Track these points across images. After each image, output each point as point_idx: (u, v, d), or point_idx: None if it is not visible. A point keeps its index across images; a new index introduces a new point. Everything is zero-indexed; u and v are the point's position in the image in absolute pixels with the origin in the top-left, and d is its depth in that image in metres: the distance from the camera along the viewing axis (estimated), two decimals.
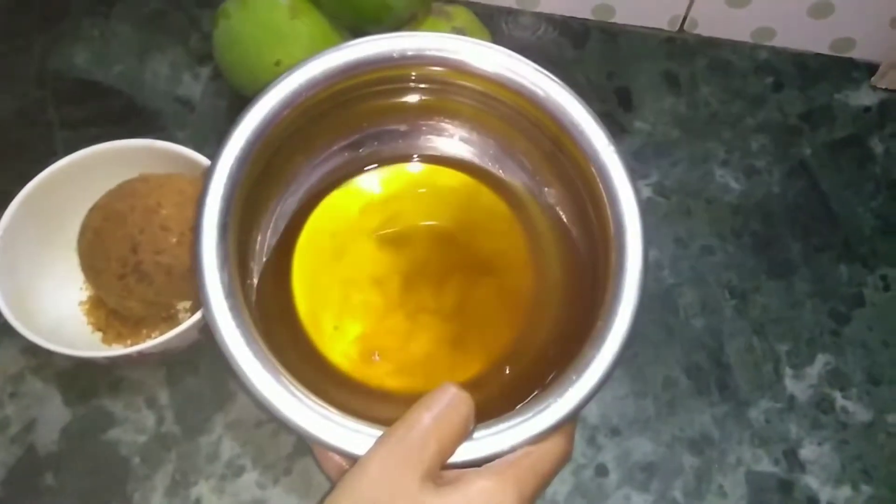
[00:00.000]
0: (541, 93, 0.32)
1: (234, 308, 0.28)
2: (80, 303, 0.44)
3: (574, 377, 0.28)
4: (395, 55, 0.32)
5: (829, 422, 0.45)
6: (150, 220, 0.39)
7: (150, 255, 0.39)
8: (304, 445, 0.42)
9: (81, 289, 0.44)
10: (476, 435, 0.27)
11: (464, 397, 0.27)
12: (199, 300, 0.28)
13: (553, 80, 0.33)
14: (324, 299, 0.34)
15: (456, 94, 0.34)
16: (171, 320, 0.43)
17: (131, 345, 0.42)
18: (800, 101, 0.56)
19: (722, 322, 0.47)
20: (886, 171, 0.53)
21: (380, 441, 0.26)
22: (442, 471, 0.27)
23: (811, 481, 0.43)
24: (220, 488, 0.41)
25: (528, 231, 0.35)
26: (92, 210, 0.41)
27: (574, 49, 0.57)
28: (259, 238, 0.34)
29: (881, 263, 0.49)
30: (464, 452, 0.27)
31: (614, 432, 0.44)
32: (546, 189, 0.35)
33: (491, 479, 0.26)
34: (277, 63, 0.46)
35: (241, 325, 0.28)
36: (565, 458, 0.29)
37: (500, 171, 0.36)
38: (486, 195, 0.36)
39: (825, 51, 0.57)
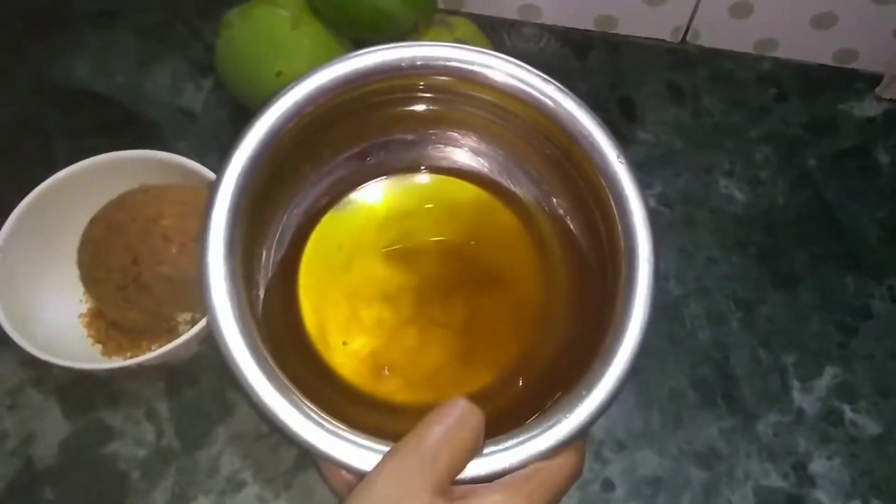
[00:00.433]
0: (550, 103, 0.32)
1: (240, 321, 0.28)
2: (80, 315, 0.44)
3: (584, 392, 0.28)
4: (403, 65, 0.32)
5: (839, 435, 0.44)
6: (150, 231, 0.39)
7: (151, 265, 0.39)
8: (306, 459, 0.41)
9: (81, 301, 0.44)
10: (486, 450, 0.27)
11: (475, 411, 0.27)
12: (203, 313, 0.28)
13: (562, 90, 0.32)
14: (331, 313, 0.33)
15: (464, 104, 0.34)
16: (172, 332, 0.43)
17: (131, 357, 0.41)
18: (803, 111, 0.55)
19: (728, 334, 0.47)
20: (892, 181, 0.52)
21: (389, 455, 0.26)
22: (452, 486, 0.26)
23: (821, 496, 0.42)
24: (221, 503, 0.41)
25: (536, 242, 0.35)
26: (92, 221, 0.41)
27: (577, 60, 0.57)
28: (265, 250, 0.33)
29: (888, 275, 0.49)
30: (474, 468, 0.26)
31: (620, 446, 0.43)
32: (555, 200, 0.35)
33: (503, 494, 0.26)
34: (279, 74, 0.46)
35: (247, 338, 0.27)
36: (577, 473, 0.28)
37: (509, 182, 0.35)
38: (495, 207, 0.35)
39: (829, 62, 0.57)
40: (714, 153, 0.53)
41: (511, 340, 0.33)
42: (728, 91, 0.56)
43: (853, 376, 0.46)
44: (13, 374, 0.43)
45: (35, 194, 0.41)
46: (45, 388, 0.43)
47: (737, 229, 0.51)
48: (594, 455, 0.43)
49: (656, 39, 0.58)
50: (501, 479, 0.26)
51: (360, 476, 0.26)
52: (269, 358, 0.28)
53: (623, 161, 0.31)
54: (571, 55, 0.57)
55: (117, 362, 0.38)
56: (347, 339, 0.32)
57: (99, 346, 0.43)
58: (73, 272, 0.43)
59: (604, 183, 0.31)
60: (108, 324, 0.43)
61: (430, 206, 0.35)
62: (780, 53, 0.57)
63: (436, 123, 0.35)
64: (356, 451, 0.26)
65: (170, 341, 0.38)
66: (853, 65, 0.57)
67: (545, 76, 0.32)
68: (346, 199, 0.35)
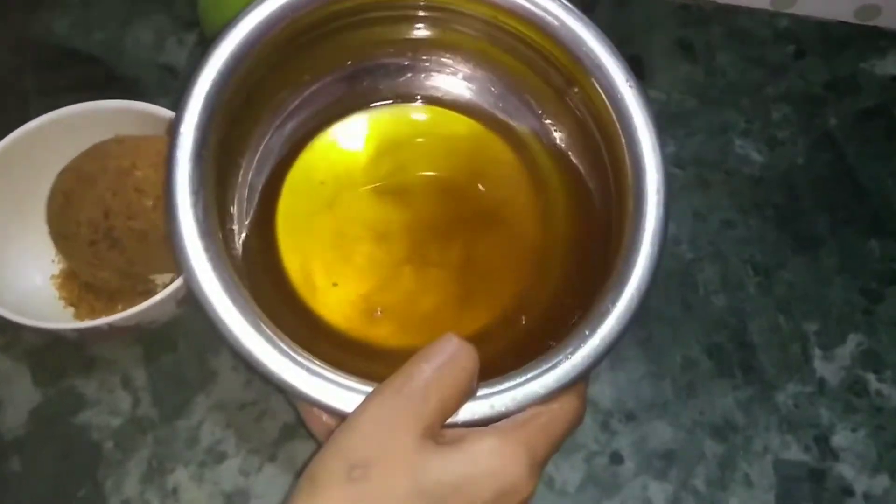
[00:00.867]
0: (554, 21, 0.29)
1: (210, 249, 0.25)
2: (53, 276, 0.41)
3: (587, 332, 0.25)
4: None
5: (863, 406, 0.41)
6: (123, 183, 0.36)
7: (123, 219, 0.36)
8: (292, 429, 0.38)
9: (54, 261, 0.41)
10: (481, 392, 0.24)
11: (468, 349, 0.24)
12: (171, 238, 0.25)
13: (567, 7, 0.29)
14: (316, 253, 0.31)
15: (458, 23, 0.31)
16: (149, 294, 0.39)
17: None
18: (823, 70, 0.52)
19: (745, 300, 0.44)
20: None
21: (373, 395, 0.23)
22: (443, 429, 0.23)
23: (845, 470, 0.39)
24: (200, 475, 0.38)
25: (534, 178, 0.32)
26: (61, 172, 0.38)
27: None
28: (240, 180, 0.31)
29: None
30: (467, 411, 0.24)
31: (629, 417, 0.40)
32: (556, 132, 0.32)
33: (498, 439, 0.23)
34: None
35: (218, 267, 0.25)
36: (578, 420, 0.25)
37: (506, 114, 0.32)
38: (492, 141, 0.33)
39: (849, 18, 0.54)
40: (729, 112, 0.50)
41: (509, 279, 0.30)
42: (743, 48, 0.53)
43: (878, 344, 0.43)
44: None
45: (2, 146, 0.39)
46: (14, 354, 0.40)
47: (754, 191, 0.47)
48: (601, 426, 0.40)
49: None
50: (497, 423, 0.24)
51: (343, 420, 0.23)
52: (245, 296, 0.25)
53: (632, 85, 0.28)
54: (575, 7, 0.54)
55: (86, 322, 0.36)
56: (337, 280, 0.30)
57: (71, 309, 0.40)
58: (45, 231, 0.40)
59: (610, 108, 0.29)
60: (81, 286, 0.40)
61: (421, 139, 0.32)
62: (798, 10, 0.54)
63: (427, 47, 0.32)
64: (337, 392, 0.24)
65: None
66: (875, 22, 0.54)
67: None
68: (329, 130, 0.32)
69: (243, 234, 0.31)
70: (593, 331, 0.25)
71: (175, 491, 0.37)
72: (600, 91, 0.28)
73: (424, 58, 0.33)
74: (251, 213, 0.31)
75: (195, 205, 0.25)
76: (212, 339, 0.40)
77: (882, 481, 0.39)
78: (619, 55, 0.28)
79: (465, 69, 0.33)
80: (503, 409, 0.24)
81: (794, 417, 0.41)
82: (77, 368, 0.40)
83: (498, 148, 0.32)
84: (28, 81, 0.49)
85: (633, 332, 0.43)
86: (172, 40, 0.50)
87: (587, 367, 0.25)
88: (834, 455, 0.40)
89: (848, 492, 0.39)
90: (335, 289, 0.30)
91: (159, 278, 0.40)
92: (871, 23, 0.54)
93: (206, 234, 0.25)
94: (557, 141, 0.32)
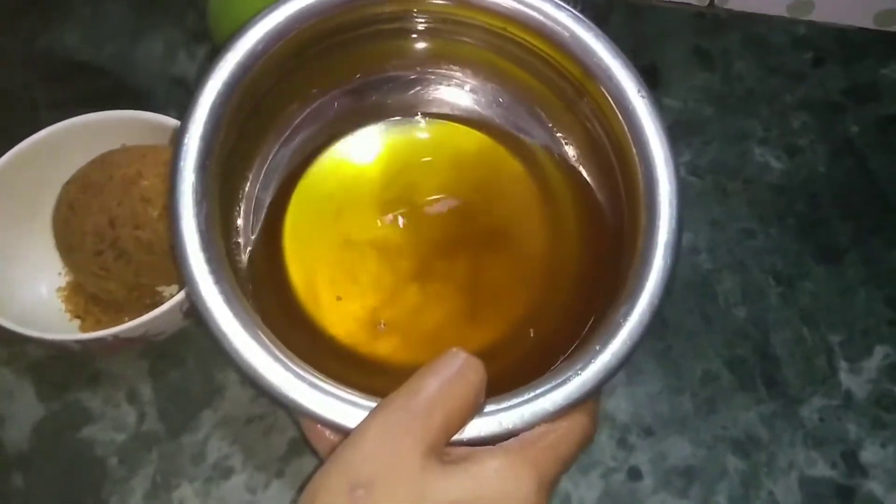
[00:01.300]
0: (564, 32, 0.28)
1: (212, 261, 0.24)
2: (59, 289, 0.40)
3: (597, 347, 0.24)
4: None
5: (893, 421, 0.40)
6: (129, 192, 0.36)
7: (129, 229, 0.35)
8: (299, 444, 0.37)
9: (60, 274, 0.41)
10: (488, 408, 0.23)
11: (475, 363, 0.23)
12: (173, 249, 0.24)
13: (577, 17, 0.29)
14: (322, 267, 0.30)
15: (467, 35, 0.31)
16: (156, 307, 0.39)
17: None
18: (843, 77, 0.51)
19: (767, 311, 0.43)
20: None
21: (377, 410, 0.22)
22: (448, 447, 0.22)
23: (875, 487, 0.38)
24: (206, 492, 0.37)
25: (544, 193, 0.31)
26: (67, 183, 0.37)
27: (597, 25, 0.53)
28: (247, 192, 0.30)
29: None
30: (474, 428, 0.23)
31: (647, 432, 0.39)
32: (566, 145, 0.31)
33: (505, 458, 0.22)
34: None
35: (220, 280, 0.24)
36: (588, 438, 0.24)
37: (515, 127, 0.32)
38: (500, 155, 0.32)
39: (868, 25, 0.53)
40: (747, 120, 0.49)
41: (518, 297, 0.29)
42: (761, 56, 0.52)
43: None
44: None
45: (8, 158, 0.38)
46: (17, 367, 0.40)
47: (774, 200, 0.46)
48: (618, 442, 0.39)
49: (682, 3, 0.54)
50: (504, 442, 0.23)
51: (346, 436, 0.22)
52: (247, 309, 0.25)
53: (644, 95, 0.28)
54: (589, 19, 0.53)
55: (91, 334, 0.35)
56: (342, 294, 0.29)
57: (77, 322, 0.39)
58: (52, 243, 0.39)
59: (622, 120, 0.28)
60: (87, 298, 0.39)
61: (430, 154, 0.32)
62: (816, 16, 0.53)
63: (434, 60, 0.32)
64: (341, 406, 0.23)
65: None
66: (895, 27, 0.53)
67: (558, 1, 0.29)
68: (338, 144, 0.31)
69: (249, 247, 0.30)
70: (604, 346, 0.24)
71: None
72: (611, 102, 0.28)
73: (432, 70, 0.32)
74: (258, 226, 0.30)
75: (198, 215, 0.24)
76: (219, 354, 0.39)
77: None
78: (630, 65, 0.28)
79: (473, 81, 0.32)
80: (511, 426, 0.23)
81: (820, 432, 0.39)
82: (82, 382, 0.39)
83: (507, 161, 0.31)
84: (38, 94, 0.49)
85: (650, 345, 0.42)
86: (183, 53, 0.50)
87: (597, 383, 0.24)
88: (863, 471, 0.38)
89: None
90: (339, 303, 0.29)
91: (167, 290, 0.40)
92: (891, 28, 0.53)
93: (208, 245, 0.25)
94: (568, 154, 0.31)
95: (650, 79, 0.51)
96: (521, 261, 0.30)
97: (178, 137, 0.26)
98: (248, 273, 0.29)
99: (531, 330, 0.28)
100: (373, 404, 0.23)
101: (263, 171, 0.30)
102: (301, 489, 0.36)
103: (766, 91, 0.50)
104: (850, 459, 0.39)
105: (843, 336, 0.42)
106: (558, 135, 0.32)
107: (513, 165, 0.32)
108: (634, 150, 0.28)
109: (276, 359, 0.23)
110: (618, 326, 0.24)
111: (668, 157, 0.27)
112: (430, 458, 0.21)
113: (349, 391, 0.23)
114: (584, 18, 0.29)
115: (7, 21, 0.51)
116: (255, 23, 0.27)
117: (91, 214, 0.36)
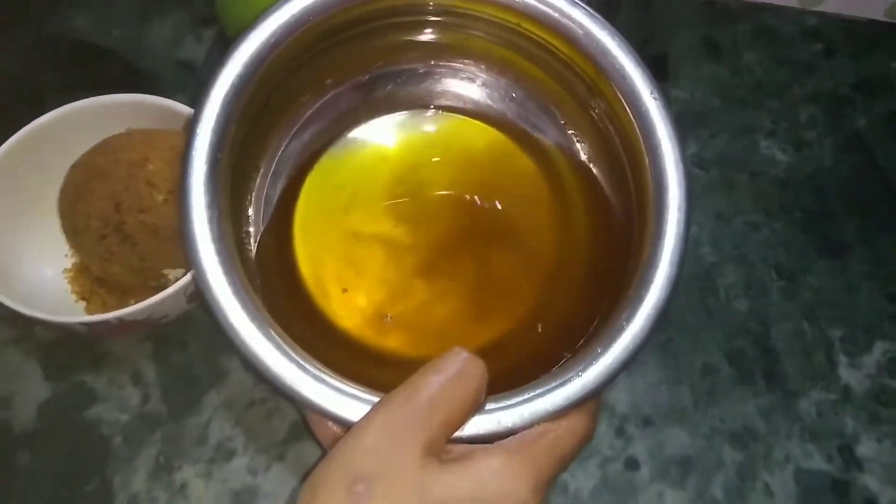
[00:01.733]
0: (578, 30, 0.28)
1: (222, 252, 0.25)
2: (65, 270, 0.41)
3: (599, 350, 0.24)
4: None
5: (890, 416, 0.40)
6: (134, 176, 0.36)
7: (134, 213, 0.36)
8: (300, 429, 0.38)
9: (66, 255, 0.41)
10: (488, 407, 0.23)
11: (477, 363, 0.23)
12: (182, 239, 0.25)
13: (592, 14, 0.29)
14: (329, 259, 0.30)
15: (479, 30, 0.30)
16: (161, 290, 0.39)
17: None
18: (853, 69, 0.51)
19: (768, 305, 0.43)
20: None
21: (379, 405, 0.23)
22: (448, 445, 0.23)
23: (870, 481, 0.38)
24: (208, 473, 0.37)
25: (555, 191, 0.31)
26: (73, 166, 0.38)
27: (605, 16, 0.53)
28: (258, 183, 0.30)
29: None
30: (474, 425, 0.23)
31: (646, 422, 0.39)
32: (578, 143, 0.32)
33: (504, 458, 0.22)
34: None
35: (229, 271, 0.25)
36: (586, 439, 0.25)
37: (528, 124, 0.32)
38: (512, 152, 0.32)
39: (880, 17, 0.53)
40: (755, 112, 0.49)
41: (524, 295, 0.29)
42: (770, 47, 0.51)
43: None
44: None
45: (14, 140, 0.38)
46: (25, 348, 0.40)
47: (780, 193, 0.46)
48: (616, 431, 0.39)
49: None
50: (503, 440, 0.23)
51: (348, 428, 0.23)
52: (252, 294, 0.25)
53: (657, 97, 0.28)
54: (600, 10, 0.53)
55: (95, 316, 0.35)
56: (348, 285, 0.29)
57: (83, 304, 0.40)
58: (58, 225, 0.40)
59: (634, 121, 0.28)
60: (93, 280, 0.40)
61: (440, 149, 0.32)
62: (827, 8, 0.53)
63: (448, 53, 0.32)
64: (344, 400, 0.23)
65: None
66: None
67: (579, 2, 0.29)
68: (348, 136, 0.31)
69: (258, 238, 0.30)
70: (606, 349, 0.24)
71: (183, 488, 0.37)
72: (624, 102, 0.28)
73: (445, 64, 0.32)
74: (268, 216, 0.31)
75: (209, 207, 0.25)
76: (222, 339, 0.40)
77: None
78: (643, 65, 0.27)
79: (486, 76, 0.32)
80: (510, 425, 0.23)
81: (817, 426, 0.39)
82: (87, 364, 0.40)
83: (518, 158, 0.31)
84: (45, 77, 0.49)
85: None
86: (190, 37, 0.50)
87: (598, 386, 0.24)
88: (858, 465, 0.38)
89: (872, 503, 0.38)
90: (346, 295, 0.29)
91: (171, 273, 0.40)
92: None
93: (218, 237, 0.25)
94: (580, 152, 0.31)
95: (659, 70, 0.51)
96: (529, 259, 0.30)
97: (189, 129, 0.26)
98: (256, 263, 0.29)
99: (539, 325, 0.29)
100: (375, 399, 0.23)
101: (275, 163, 0.31)
102: (305, 475, 0.36)
103: (774, 83, 0.50)
104: (847, 453, 0.39)
105: (843, 331, 0.42)
106: (570, 132, 0.32)
107: (524, 162, 0.32)
108: (645, 152, 0.28)
109: (282, 350, 0.24)
110: (620, 330, 0.25)
111: (679, 160, 0.27)
112: (430, 455, 0.22)
113: (353, 385, 0.24)
114: (599, 16, 0.29)
115: (19, 9, 0.51)
116: (269, 14, 0.27)
117: (97, 198, 0.36)
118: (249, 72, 0.27)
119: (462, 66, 0.33)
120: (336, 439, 0.24)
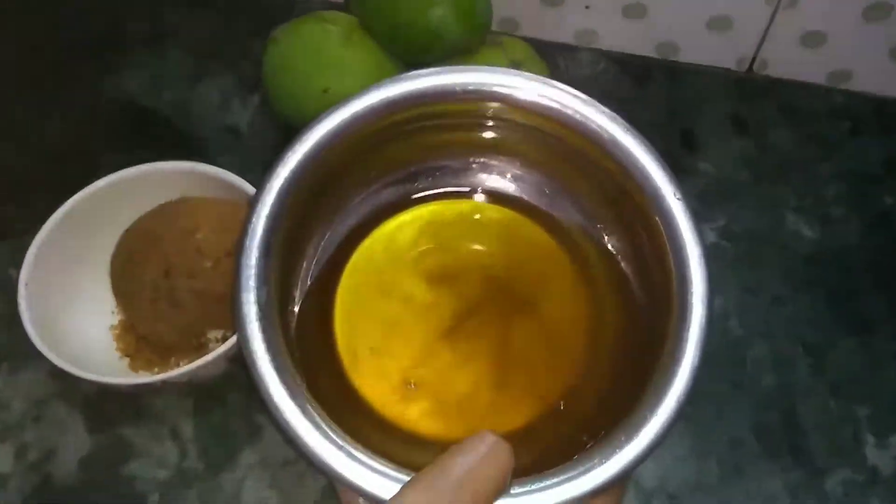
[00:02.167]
0: (606, 136, 0.30)
1: (271, 339, 0.26)
2: (112, 327, 0.42)
3: (623, 438, 0.25)
4: (457, 89, 0.30)
5: None
6: (185, 243, 0.38)
7: (184, 279, 0.37)
8: (332, 491, 0.39)
9: (113, 313, 0.43)
10: (514, 490, 0.24)
11: (504, 448, 0.24)
12: (233, 330, 0.26)
13: (621, 123, 0.30)
14: (363, 331, 0.32)
15: (517, 131, 0.32)
16: (202, 349, 0.41)
17: (158, 372, 0.40)
18: (880, 147, 0.52)
19: (795, 380, 0.43)
20: None
21: (409, 485, 0.24)
22: None
23: None
24: None
25: (585, 277, 0.32)
26: (127, 231, 0.40)
27: (634, 88, 0.55)
28: (304, 266, 0.32)
29: None
30: None
31: (672, 498, 0.40)
32: (607, 237, 0.33)
33: None
34: (326, 90, 0.45)
35: (272, 348, 0.26)
36: None
37: (559, 213, 0.33)
38: (543, 238, 0.33)
39: None
40: (782, 188, 0.50)
41: (551, 375, 0.30)
42: (797, 124, 0.53)
43: None
44: (41, 385, 0.42)
45: (72, 203, 0.41)
46: (70, 401, 0.42)
47: (806, 268, 0.47)
48: None
49: (720, 68, 0.55)
50: None
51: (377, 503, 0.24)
52: (296, 377, 0.26)
53: (680, 198, 0.29)
54: (629, 82, 0.55)
55: (142, 377, 0.37)
56: (378, 357, 0.30)
57: (127, 360, 0.41)
58: (107, 283, 0.41)
59: (658, 220, 0.29)
60: (137, 337, 0.41)
61: (475, 233, 0.33)
62: (855, 86, 0.54)
63: (488, 152, 0.34)
64: (376, 478, 0.24)
65: (199, 358, 0.37)
66: None
67: (603, 107, 0.30)
68: (388, 222, 0.33)
69: (298, 314, 0.32)
70: (629, 438, 0.25)
71: None
72: (649, 202, 0.29)
73: (483, 160, 0.34)
74: (309, 296, 0.32)
75: (259, 287, 0.26)
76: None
77: None
78: (666, 167, 0.29)
79: (520, 171, 0.34)
80: None
81: None
82: (130, 417, 0.41)
83: (549, 245, 0.33)
84: (97, 139, 0.51)
85: None
86: (237, 101, 0.53)
87: (620, 474, 0.25)
88: None
89: None
90: (373, 356, 0.30)
91: (212, 333, 0.42)
92: None
93: (265, 316, 0.26)
94: (608, 245, 0.33)
95: (686, 143, 0.52)
96: (558, 345, 0.31)
97: (246, 216, 0.28)
98: (297, 339, 0.30)
99: (561, 403, 0.30)
100: (405, 478, 0.24)
101: (321, 247, 0.32)
102: None
103: (801, 160, 0.51)
104: None
105: (870, 409, 0.42)
106: (600, 227, 0.33)
107: (555, 249, 0.33)
108: (670, 250, 0.29)
109: (322, 430, 0.25)
110: (644, 420, 0.25)
111: (702, 258, 0.28)
112: None
113: (385, 463, 0.25)
114: (630, 126, 0.30)
115: (72, 68, 0.54)
116: (323, 118, 0.29)
117: (148, 263, 0.38)
118: (303, 168, 0.28)
119: (500, 163, 0.35)
120: None
